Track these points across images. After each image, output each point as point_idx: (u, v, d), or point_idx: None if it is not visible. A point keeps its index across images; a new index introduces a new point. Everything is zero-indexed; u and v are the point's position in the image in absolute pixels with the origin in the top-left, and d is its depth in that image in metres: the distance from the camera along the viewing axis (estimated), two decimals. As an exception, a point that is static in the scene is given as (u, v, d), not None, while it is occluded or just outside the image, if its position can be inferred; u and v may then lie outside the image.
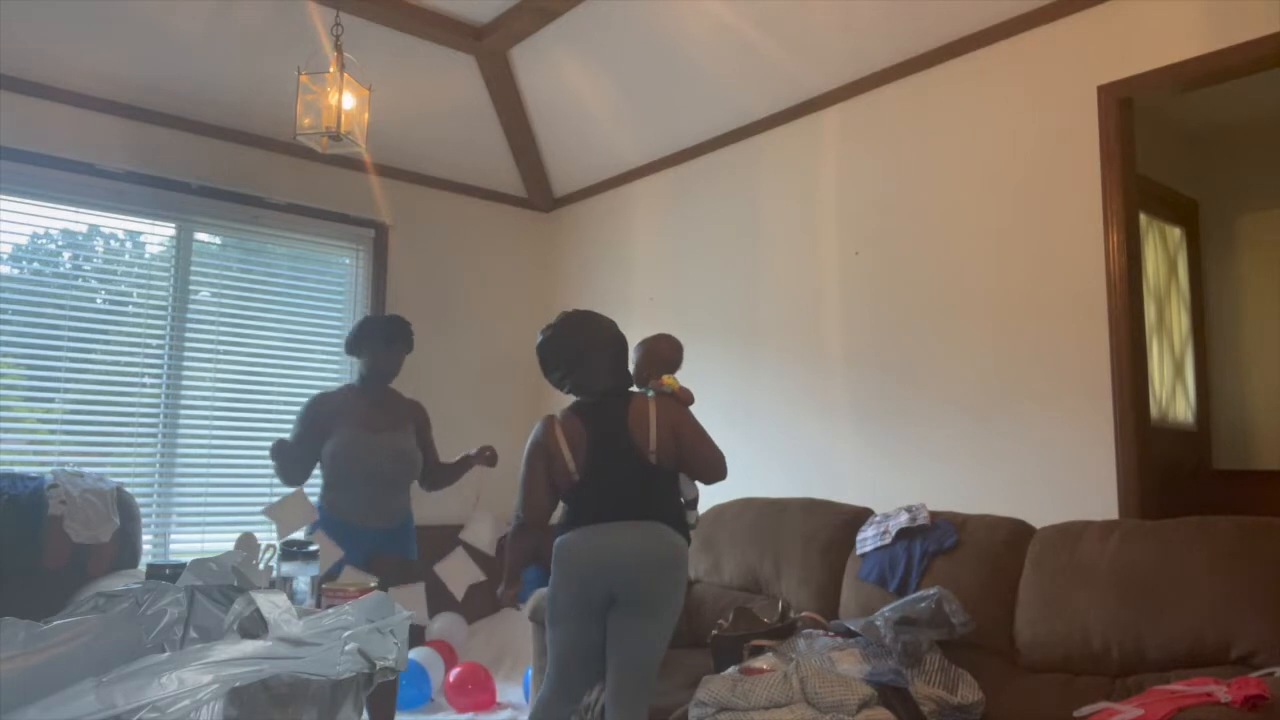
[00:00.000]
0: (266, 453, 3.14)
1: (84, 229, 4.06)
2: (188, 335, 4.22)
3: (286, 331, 4.49)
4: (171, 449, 4.15)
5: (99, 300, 4.08)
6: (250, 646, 1.39)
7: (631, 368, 2.84)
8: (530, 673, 3.62)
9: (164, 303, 4.18)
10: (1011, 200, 3.23)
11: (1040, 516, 2.77)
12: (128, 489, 3.53)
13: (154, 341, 4.14)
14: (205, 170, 4.24)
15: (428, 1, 4.01)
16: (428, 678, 3.96)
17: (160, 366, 4.14)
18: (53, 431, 3.90)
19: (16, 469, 3.51)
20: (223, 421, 4.28)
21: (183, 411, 4.18)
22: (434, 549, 3.85)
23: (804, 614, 2.90)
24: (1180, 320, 4.38)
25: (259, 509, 3.27)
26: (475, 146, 4.96)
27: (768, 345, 4.08)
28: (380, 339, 3.31)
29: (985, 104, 3.33)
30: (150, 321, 4.15)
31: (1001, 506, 2.93)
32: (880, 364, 3.60)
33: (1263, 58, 2.66)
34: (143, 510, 3.63)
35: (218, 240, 4.42)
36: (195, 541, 4.18)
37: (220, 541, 4.03)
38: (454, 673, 3.97)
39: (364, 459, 3.14)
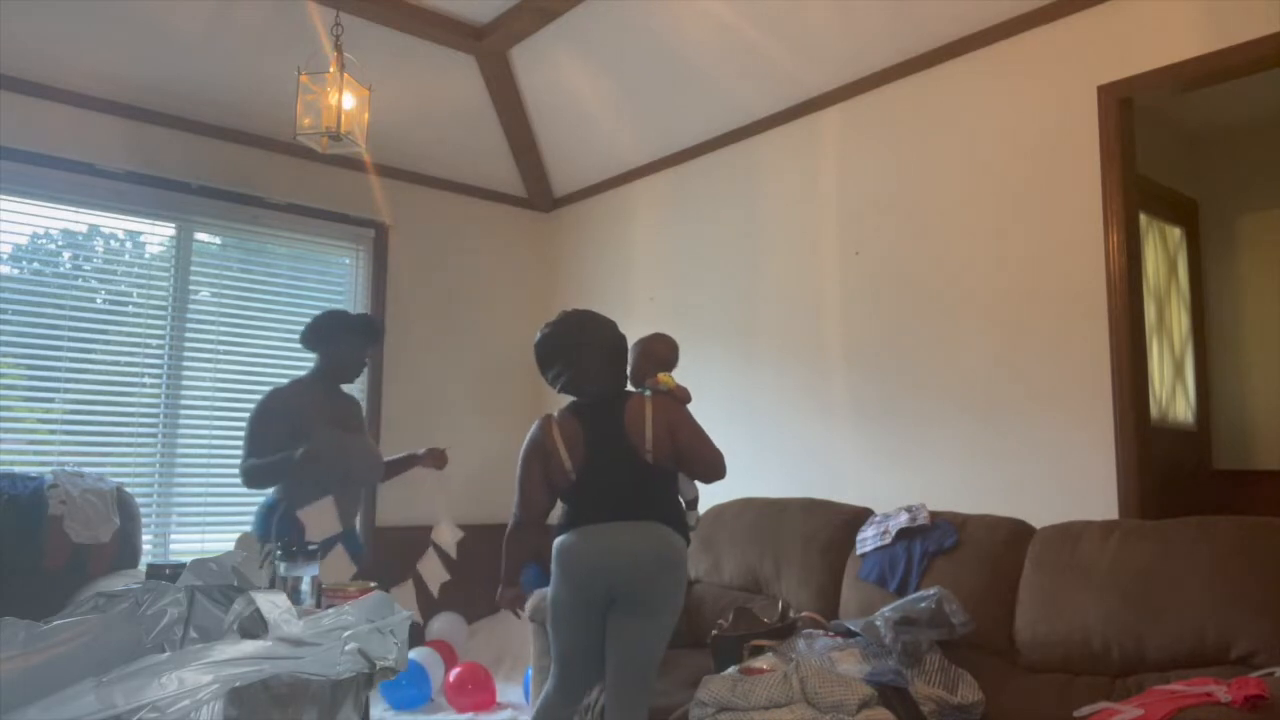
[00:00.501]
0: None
1: (84, 229, 4.06)
2: (188, 335, 4.22)
3: (287, 331, 4.49)
4: (171, 449, 4.15)
5: (99, 300, 4.08)
6: (250, 646, 1.39)
7: (629, 367, 2.84)
8: (530, 673, 3.62)
9: (164, 303, 4.18)
10: (1011, 200, 3.23)
11: (1040, 516, 2.77)
12: (128, 489, 3.53)
13: (154, 341, 4.14)
14: (205, 170, 4.24)
15: (428, 1, 4.01)
16: (428, 678, 3.96)
17: (160, 366, 4.14)
18: (53, 431, 3.90)
19: (16, 469, 3.51)
20: (223, 421, 4.28)
21: (183, 411, 4.18)
22: (407, 550, 3.89)
23: (804, 614, 2.90)
24: (1180, 320, 4.38)
25: (258, 509, 3.24)
26: (475, 146, 4.96)
27: (768, 345, 4.08)
28: (360, 336, 3.18)
29: (985, 104, 3.33)
30: (150, 321, 4.15)
31: (1001, 506, 2.93)
32: (880, 364, 3.60)
33: (1263, 58, 2.66)
34: (143, 510, 3.63)
35: (218, 240, 4.42)
36: (195, 541, 4.18)
37: (220, 541, 4.03)
38: (454, 673, 3.97)
39: (343, 460, 3.06)
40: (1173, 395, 4.25)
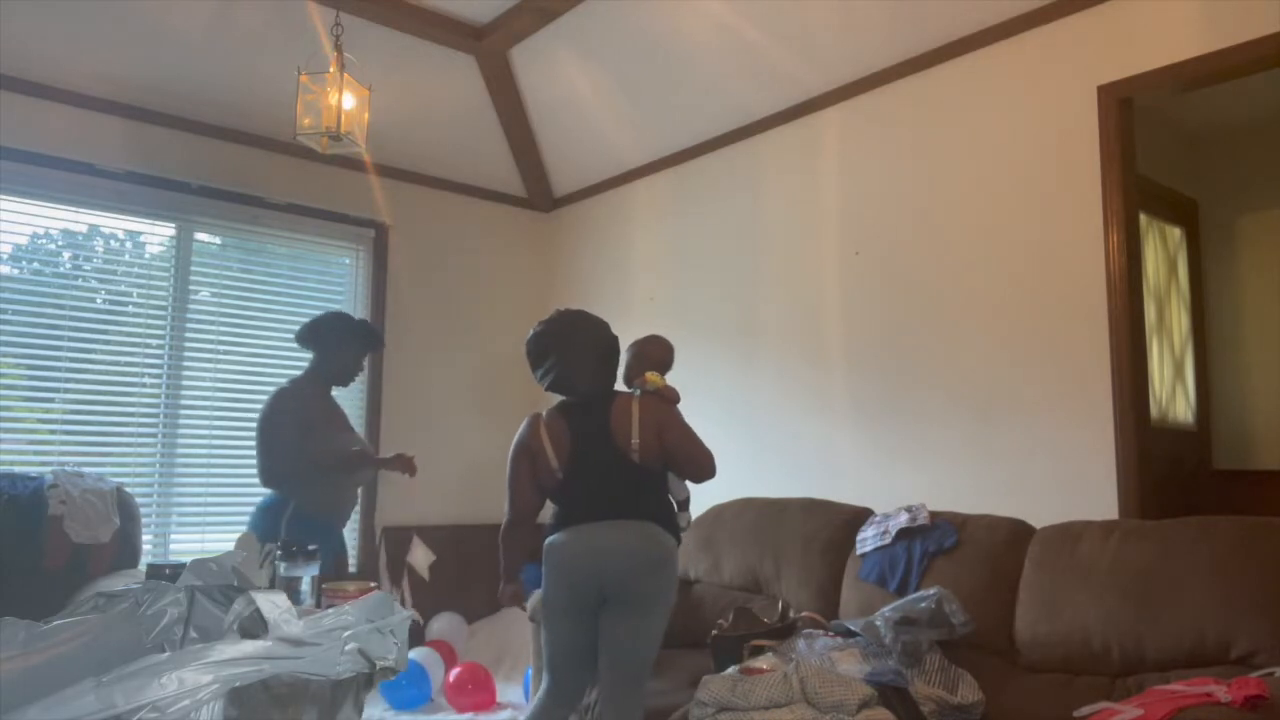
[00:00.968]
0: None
1: (84, 229, 4.06)
2: (188, 335, 4.22)
3: (286, 331, 4.48)
4: (171, 449, 4.15)
5: (99, 300, 4.08)
6: (250, 646, 1.39)
7: (623, 368, 2.84)
8: (530, 673, 3.62)
9: (164, 303, 4.18)
10: (1011, 200, 3.23)
11: (1040, 516, 2.77)
12: (128, 489, 3.52)
13: (154, 341, 4.14)
14: (205, 170, 4.24)
15: (428, 1, 4.01)
16: (428, 678, 3.96)
17: (160, 366, 4.14)
18: (53, 431, 3.90)
19: (16, 469, 3.51)
20: (223, 421, 4.28)
21: (183, 411, 4.18)
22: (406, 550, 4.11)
23: (804, 614, 2.90)
24: (1180, 320, 4.38)
25: (258, 509, 3.27)
26: (475, 146, 4.96)
27: (768, 345, 4.08)
28: (363, 342, 3.26)
29: (985, 104, 3.33)
30: (150, 321, 4.15)
31: (1002, 506, 2.93)
32: (880, 364, 3.60)
33: (1263, 58, 2.66)
34: (143, 510, 3.63)
35: (218, 240, 4.42)
36: (195, 541, 4.18)
37: (220, 541, 4.03)
38: (454, 673, 3.96)
39: (352, 456, 3.18)
40: (1173, 395, 4.25)
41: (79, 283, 4.03)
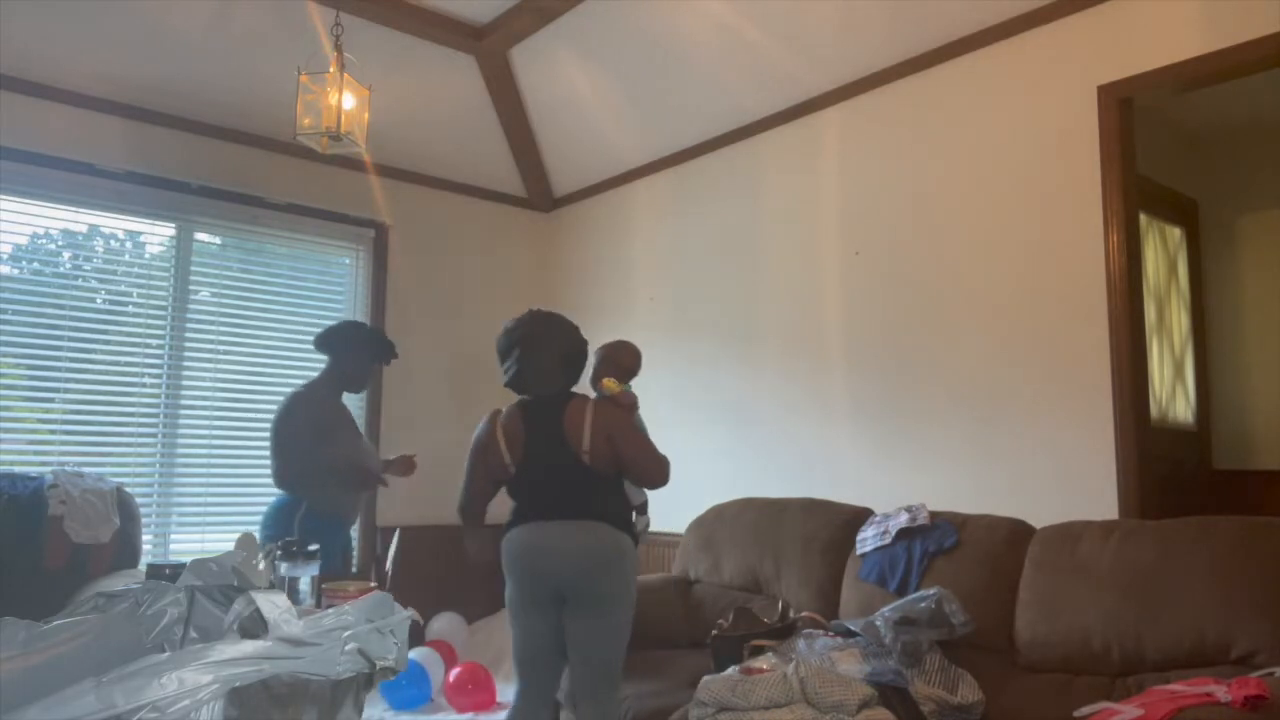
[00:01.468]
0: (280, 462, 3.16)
1: (84, 229, 4.05)
2: (188, 335, 4.22)
3: (286, 331, 4.49)
4: (171, 449, 4.15)
5: (99, 300, 4.08)
6: (250, 646, 1.39)
7: (591, 371, 2.87)
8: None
9: (164, 303, 4.18)
10: (1011, 200, 3.23)
11: (1040, 516, 2.77)
12: (128, 489, 3.53)
13: (154, 341, 4.14)
14: (205, 170, 4.24)
15: (428, 1, 4.01)
16: (428, 678, 3.96)
17: (160, 366, 4.14)
18: (53, 431, 3.90)
19: (16, 469, 3.51)
20: (223, 421, 4.28)
21: (183, 411, 4.18)
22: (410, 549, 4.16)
23: (804, 614, 2.90)
24: (1180, 320, 4.38)
25: (259, 509, 3.30)
26: (475, 146, 4.96)
27: (768, 345, 4.08)
28: (384, 355, 3.38)
29: (985, 104, 3.33)
30: (150, 321, 4.15)
31: (1001, 506, 2.93)
32: (880, 364, 3.60)
33: (1263, 58, 2.66)
34: (143, 510, 3.63)
35: (218, 240, 4.41)
36: (195, 541, 4.18)
37: (220, 541, 4.03)
38: (454, 673, 3.97)
39: (368, 464, 3.30)
40: (1173, 395, 4.25)
41: (79, 283, 4.03)
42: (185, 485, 4.19)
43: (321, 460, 3.12)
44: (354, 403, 4.58)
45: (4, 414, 3.77)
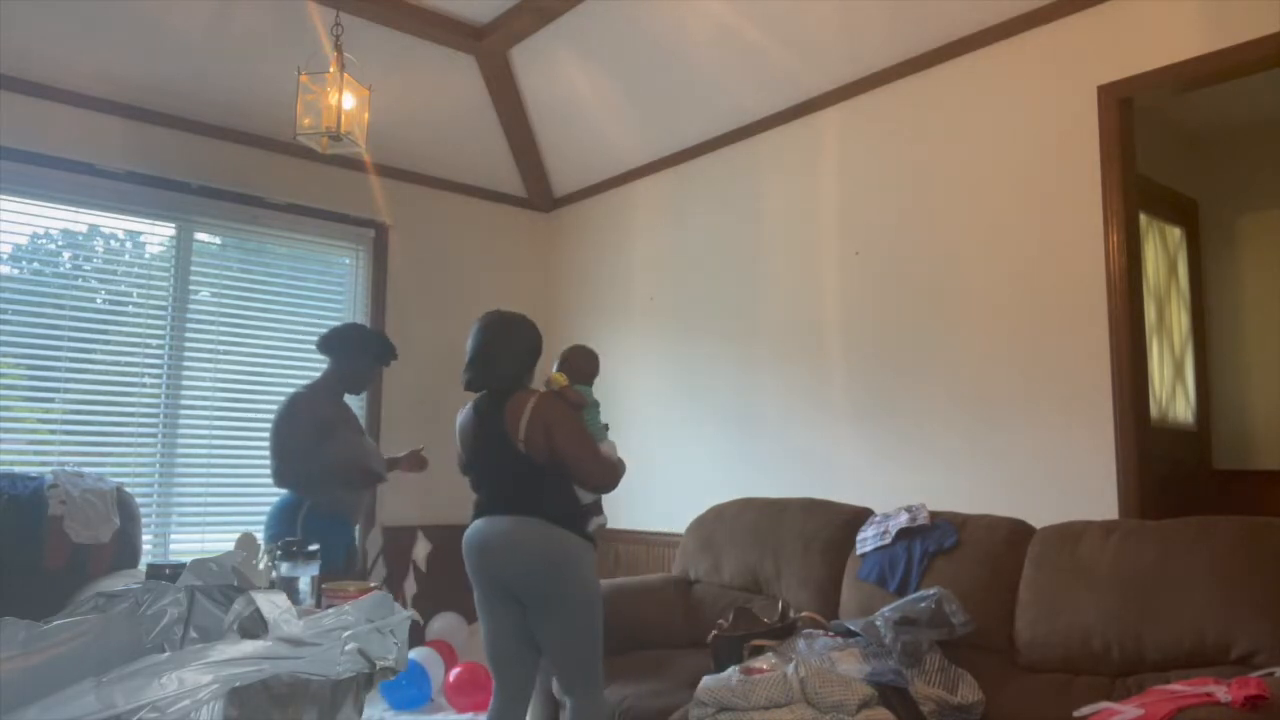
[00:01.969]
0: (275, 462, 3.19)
1: (84, 229, 4.05)
2: (188, 335, 4.22)
3: (286, 331, 4.49)
4: (171, 449, 4.15)
5: (99, 300, 4.08)
6: (250, 646, 1.39)
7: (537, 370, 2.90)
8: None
9: (164, 303, 4.18)
10: (1011, 200, 3.23)
11: (1040, 516, 2.77)
12: (128, 489, 3.53)
13: (154, 341, 4.14)
14: (205, 170, 4.24)
15: (428, 1, 4.01)
16: (428, 678, 3.96)
17: (160, 366, 4.14)
18: (53, 431, 3.90)
19: (16, 469, 3.51)
20: (223, 421, 4.28)
21: (183, 411, 4.18)
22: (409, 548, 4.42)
23: (804, 614, 2.90)
24: (1180, 320, 4.38)
25: (259, 509, 3.31)
26: (475, 146, 4.96)
27: (768, 345, 4.08)
28: (378, 357, 3.41)
29: (985, 104, 3.33)
30: (150, 321, 4.15)
31: (1001, 506, 2.93)
32: (880, 364, 3.60)
33: (1263, 58, 2.66)
34: (143, 510, 3.63)
35: (218, 240, 4.42)
36: (195, 541, 4.18)
37: (220, 541, 4.03)
38: (454, 673, 3.97)
39: (371, 463, 3.31)
40: (1173, 395, 4.25)
41: (79, 283, 4.03)
42: (185, 485, 4.19)
43: (322, 459, 3.13)
44: (354, 403, 4.59)
45: (4, 414, 3.77)
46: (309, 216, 4.56)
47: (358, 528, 3.70)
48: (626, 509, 4.35)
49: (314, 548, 2.13)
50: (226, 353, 4.32)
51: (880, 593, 2.87)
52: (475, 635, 4.68)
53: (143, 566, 3.32)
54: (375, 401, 4.71)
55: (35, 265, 3.94)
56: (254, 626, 1.49)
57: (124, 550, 3.36)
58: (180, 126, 4.19)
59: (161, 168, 4.12)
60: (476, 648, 4.58)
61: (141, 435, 4.08)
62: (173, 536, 4.16)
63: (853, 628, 2.62)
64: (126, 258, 4.19)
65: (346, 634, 1.48)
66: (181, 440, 4.17)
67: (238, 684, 1.29)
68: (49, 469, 3.41)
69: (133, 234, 4.19)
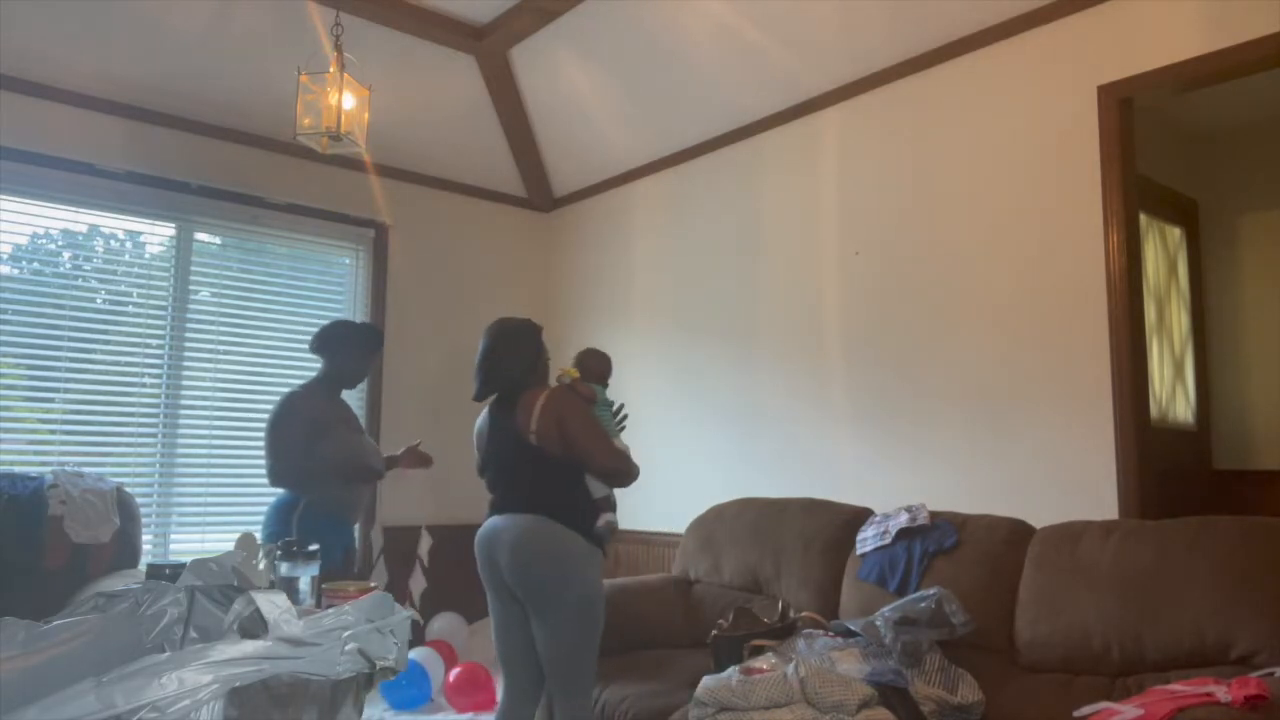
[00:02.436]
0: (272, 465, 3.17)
1: (84, 229, 4.05)
2: (188, 335, 4.22)
3: (286, 331, 4.49)
4: (171, 449, 4.15)
5: (99, 300, 4.08)
6: (250, 646, 1.39)
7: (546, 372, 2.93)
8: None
9: (164, 303, 4.18)
10: (1011, 200, 3.23)
11: (1040, 516, 2.77)
12: (128, 489, 3.53)
13: (154, 341, 4.14)
14: (205, 170, 4.24)
15: (428, 1, 4.01)
16: (428, 678, 3.96)
17: (160, 366, 4.14)
18: (53, 431, 3.90)
19: (16, 469, 3.51)
20: (223, 421, 4.28)
21: (183, 411, 4.18)
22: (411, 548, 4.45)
23: (804, 614, 2.90)
24: (1180, 320, 4.38)
25: (259, 509, 3.30)
26: (475, 146, 4.96)
27: (768, 345, 4.08)
28: (365, 347, 3.40)
29: (985, 104, 3.33)
30: (150, 321, 4.15)
31: (1001, 506, 2.93)
32: (880, 364, 3.60)
33: (1263, 58, 2.66)
34: (143, 510, 3.63)
35: (218, 240, 4.41)
36: (195, 541, 4.18)
37: (220, 541, 4.03)
38: (454, 673, 3.96)
39: (368, 460, 3.29)
40: (1173, 395, 4.25)
41: (79, 283, 4.03)
42: (185, 485, 4.19)
43: (317, 457, 3.12)
44: (354, 402, 4.59)
45: (4, 414, 3.77)
46: (309, 216, 4.56)
47: (357, 527, 3.68)
48: (627, 509, 4.34)
49: (314, 548, 2.13)
50: (226, 353, 4.32)
51: (880, 593, 2.87)
52: (475, 635, 4.69)
53: (143, 566, 3.32)
54: (376, 401, 4.71)
55: (35, 265, 3.94)
56: (254, 626, 1.49)
57: (124, 550, 3.36)
58: (180, 126, 4.19)
59: (161, 168, 4.12)
60: (476, 648, 4.59)
61: (141, 435, 4.08)
62: (173, 536, 4.16)
63: (853, 628, 2.62)
64: (126, 258, 4.19)
65: (346, 634, 1.48)
66: (181, 440, 4.17)
67: (238, 684, 1.29)
68: (49, 469, 3.41)
69: (133, 234, 4.19)
